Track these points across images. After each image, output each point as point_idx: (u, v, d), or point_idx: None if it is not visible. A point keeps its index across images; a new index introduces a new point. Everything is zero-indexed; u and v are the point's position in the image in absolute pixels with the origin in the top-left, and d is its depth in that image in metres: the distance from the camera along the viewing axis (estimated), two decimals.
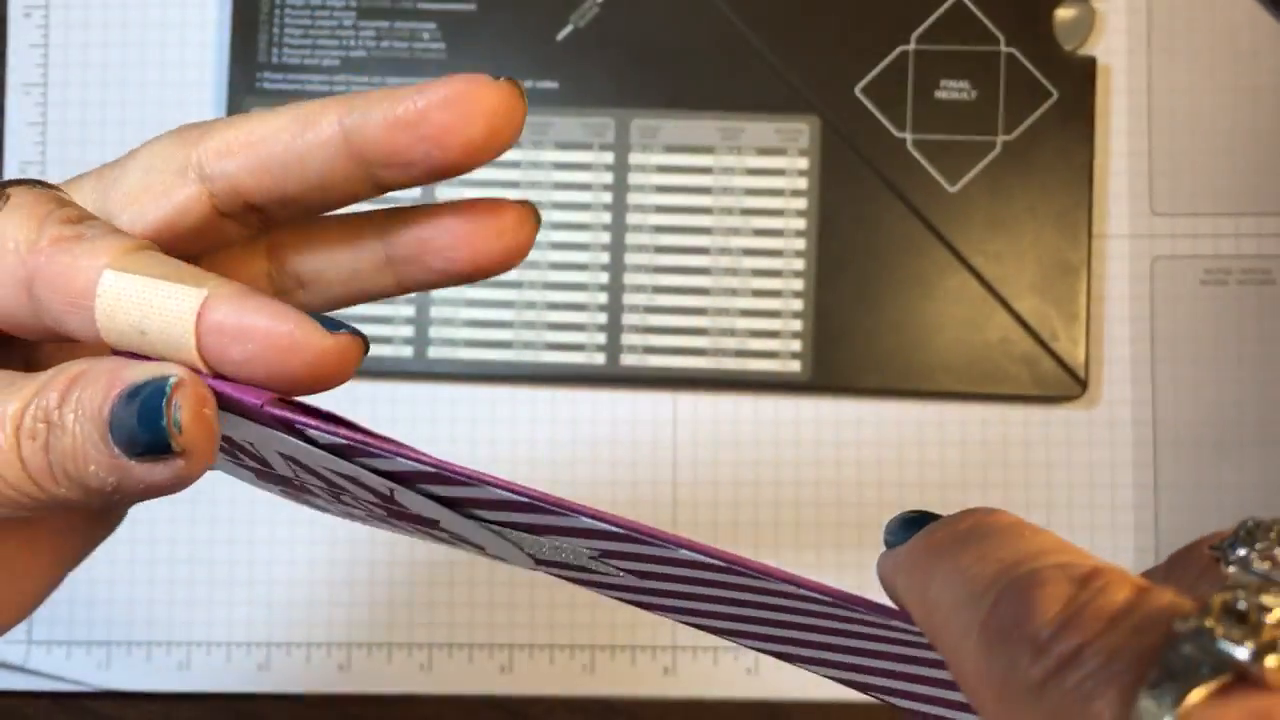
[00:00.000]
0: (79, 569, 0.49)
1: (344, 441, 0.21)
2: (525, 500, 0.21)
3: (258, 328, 0.21)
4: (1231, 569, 0.18)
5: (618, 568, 0.23)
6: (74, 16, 0.50)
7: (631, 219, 0.47)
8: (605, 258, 0.47)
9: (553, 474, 0.48)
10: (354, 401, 0.48)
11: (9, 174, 0.49)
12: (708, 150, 0.47)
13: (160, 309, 0.21)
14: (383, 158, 0.23)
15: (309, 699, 0.48)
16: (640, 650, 0.47)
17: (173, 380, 0.20)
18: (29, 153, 0.49)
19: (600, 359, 0.47)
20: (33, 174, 0.49)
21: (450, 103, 0.22)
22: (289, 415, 0.21)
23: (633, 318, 0.47)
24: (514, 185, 0.47)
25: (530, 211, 0.25)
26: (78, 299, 0.21)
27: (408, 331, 0.47)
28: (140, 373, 0.21)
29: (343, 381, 0.22)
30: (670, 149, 0.47)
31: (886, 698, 0.24)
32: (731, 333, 0.47)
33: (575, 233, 0.47)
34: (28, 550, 0.27)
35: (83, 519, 0.28)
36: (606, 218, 0.47)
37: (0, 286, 0.22)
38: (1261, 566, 0.18)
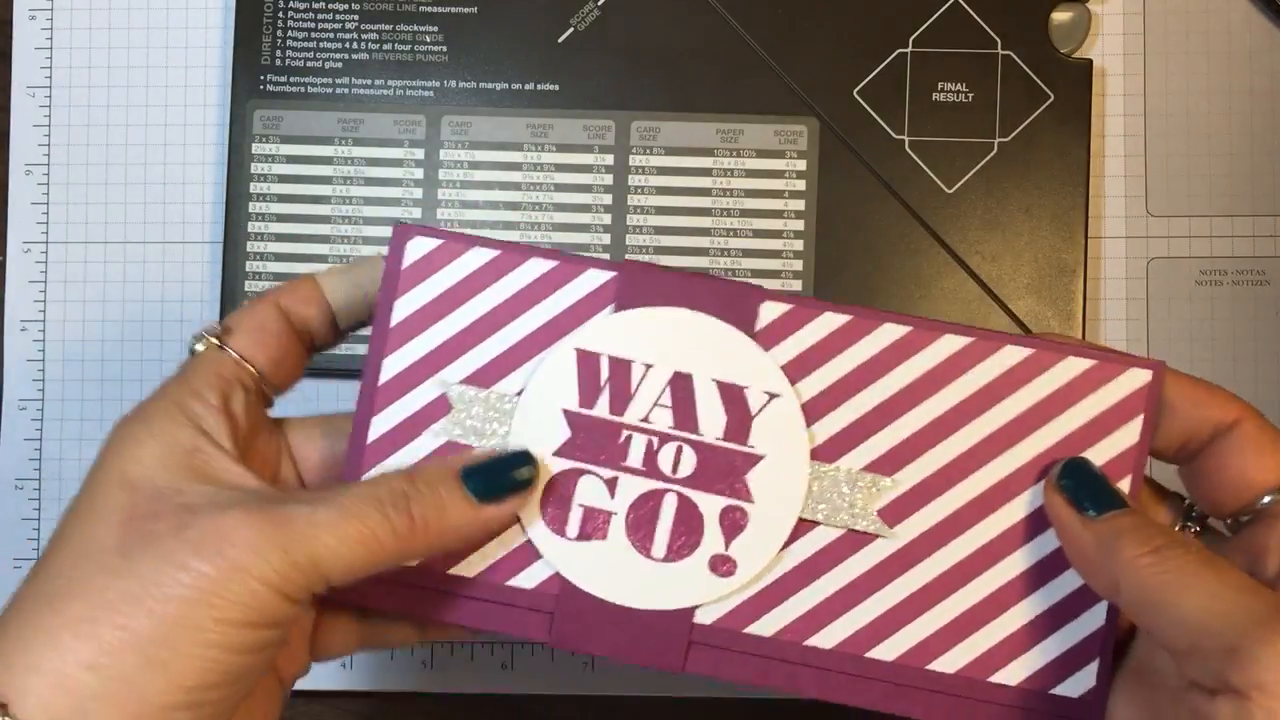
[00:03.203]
0: None
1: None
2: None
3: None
4: None
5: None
6: (79, 19, 0.50)
7: (631, 220, 0.48)
8: (605, 258, 0.47)
9: None
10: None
11: (13, 176, 0.50)
12: (707, 152, 0.47)
13: None
14: None
15: (313, 696, 0.48)
16: None
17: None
18: (34, 155, 0.50)
19: None
20: (37, 175, 0.50)
21: None
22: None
23: None
24: (515, 187, 0.48)
25: None
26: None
27: None
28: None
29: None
30: (670, 151, 0.47)
31: None
32: None
33: (575, 233, 0.48)
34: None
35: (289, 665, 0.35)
36: (606, 219, 0.48)
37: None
38: None
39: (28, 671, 0.27)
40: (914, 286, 0.47)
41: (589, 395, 0.32)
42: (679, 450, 0.32)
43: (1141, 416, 0.32)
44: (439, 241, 0.32)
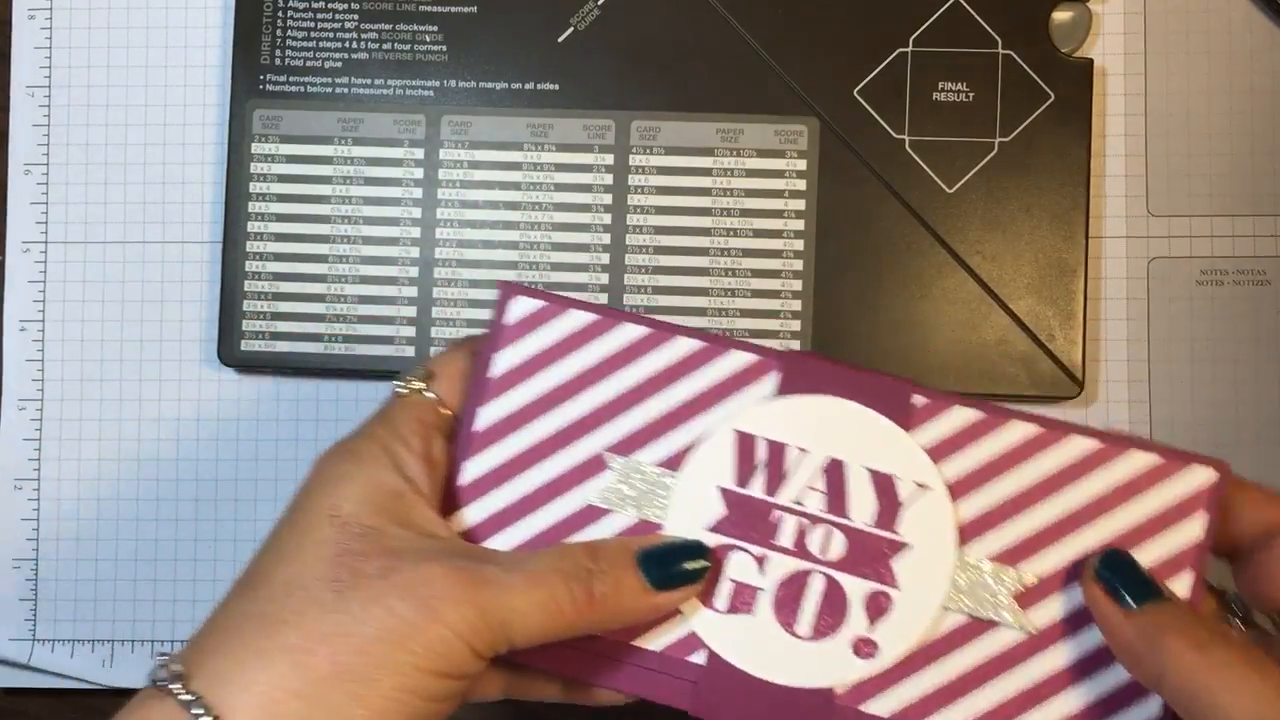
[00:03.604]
0: (81, 568, 0.50)
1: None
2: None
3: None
4: None
5: None
6: (78, 19, 0.50)
7: (631, 220, 0.47)
8: (605, 258, 0.47)
9: None
10: (357, 401, 0.49)
11: (12, 176, 0.50)
12: (707, 152, 0.47)
13: None
14: None
15: None
16: None
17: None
18: (33, 155, 0.50)
19: None
20: (36, 175, 0.50)
21: None
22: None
23: None
24: (515, 187, 0.48)
25: None
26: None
27: (409, 332, 0.47)
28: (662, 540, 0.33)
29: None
30: (670, 150, 0.47)
31: None
32: (731, 333, 0.47)
33: (575, 233, 0.47)
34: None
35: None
36: (606, 219, 0.48)
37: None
38: None
39: (241, 690, 0.28)
40: (914, 286, 0.47)
41: (744, 474, 0.34)
42: (828, 533, 0.33)
43: (1204, 513, 0.32)
44: (540, 303, 0.35)
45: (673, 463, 0.34)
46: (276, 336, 0.48)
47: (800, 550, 0.33)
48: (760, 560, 0.33)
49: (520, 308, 0.35)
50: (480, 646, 0.30)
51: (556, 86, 0.48)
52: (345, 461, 0.32)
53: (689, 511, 0.34)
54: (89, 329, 0.49)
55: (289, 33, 0.48)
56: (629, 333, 0.35)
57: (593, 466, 0.34)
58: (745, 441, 0.34)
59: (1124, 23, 0.49)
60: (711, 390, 0.34)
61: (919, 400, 0.33)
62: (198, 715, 0.28)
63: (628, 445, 0.34)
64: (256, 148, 0.48)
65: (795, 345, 0.47)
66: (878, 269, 0.47)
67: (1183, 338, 0.48)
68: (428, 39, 0.48)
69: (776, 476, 0.33)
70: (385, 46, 0.48)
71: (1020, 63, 0.47)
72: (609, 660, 0.34)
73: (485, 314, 0.47)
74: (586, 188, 0.48)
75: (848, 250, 0.47)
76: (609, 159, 0.48)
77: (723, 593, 0.33)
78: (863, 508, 0.33)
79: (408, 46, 0.48)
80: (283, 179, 0.48)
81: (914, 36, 0.47)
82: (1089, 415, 0.48)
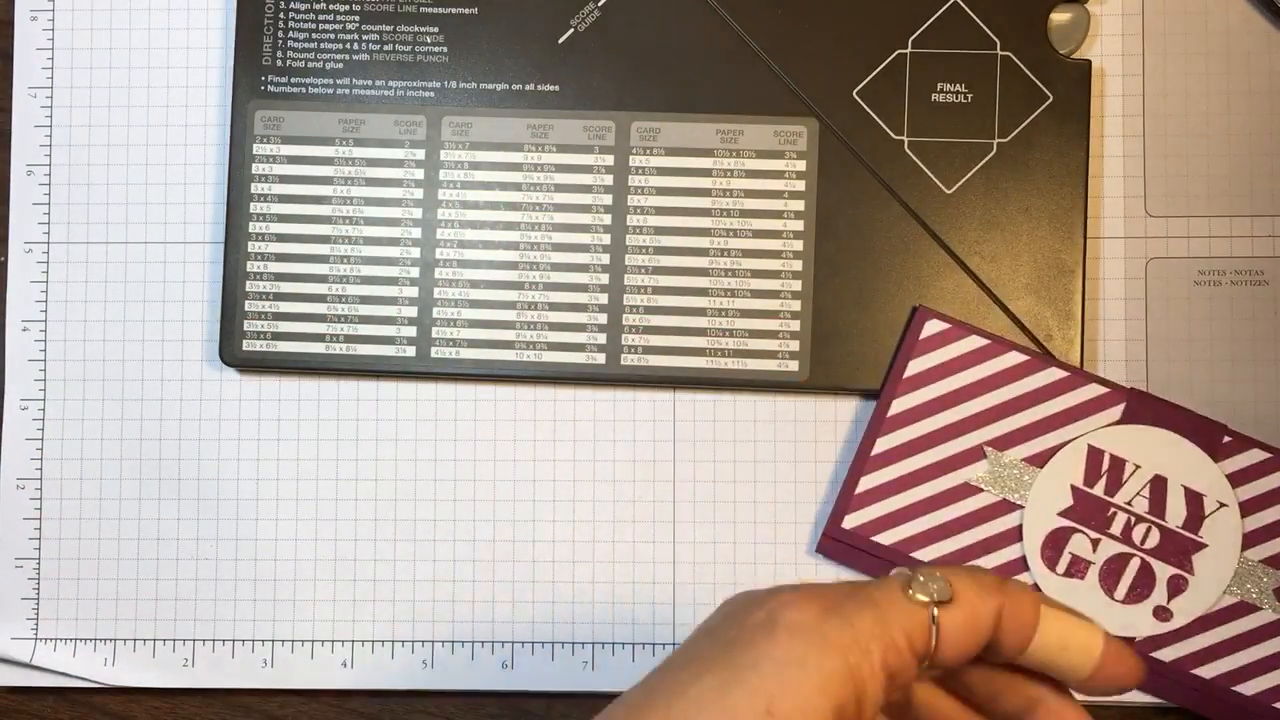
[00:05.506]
0: (82, 567, 0.50)
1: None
2: None
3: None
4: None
5: None
6: (80, 20, 0.50)
7: (631, 220, 0.48)
8: (605, 258, 0.48)
9: (553, 473, 0.48)
10: (357, 400, 0.49)
11: (15, 176, 0.50)
12: (707, 152, 0.48)
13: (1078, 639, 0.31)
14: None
15: (313, 695, 0.49)
16: (640, 647, 0.48)
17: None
18: (35, 155, 0.50)
19: (600, 359, 0.47)
20: (39, 175, 0.50)
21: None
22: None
23: (633, 318, 0.47)
24: (515, 187, 0.48)
25: (1127, 656, 0.31)
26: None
27: (410, 332, 0.48)
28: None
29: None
30: (670, 151, 0.48)
31: None
32: (730, 333, 0.47)
33: (575, 234, 0.48)
34: None
35: None
36: (607, 219, 0.48)
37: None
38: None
39: None
40: (913, 286, 0.47)
41: (1091, 477, 0.46)
42: (1148, 529, 0.46)
43: None
44: (946, 325, 0.46)
45: (1035, 460, 0.46)
46: (278, 336, 0.48)
47: (1125, 539, 0.45)
48: (1094, 543, 0.46)
49: (930, 328, 0.46)
50: None
51: (557, 87, 0.48)
52: (806, 643, 0.27)
53: (1045, 499, 0.46)
54: (91, 329, 0.49)
55: (290, 34, 0.48)
56: (1013, 358, 0.46)
57: (973, 455, 0.46)
58: (1095, 453, 0.46)
59: (1122, 24, 0.49)
60: (1072, 410, 0.46)
61: (1227, 439, 0.45)
62: None
63: (1002, 443, 0.46)
64: (258, 148, 0.48)
65: (795, 346, 0.47)
66: (877, 269, 0.47)
67: (1180, 338, 0.48)
68: (428, 40, 0.48)
69: (1115, 482, 0.46)
70: (386, 48, 0.48)
71: (1019, 64, 0.47)
72: None
73: (485, 314, 0.47)
74: (586, 188, 0.48)
75: (847, 250, 0.47)
76: (609, 160, 0.48)
77: (1062, 562, 0.46)
78: (1176, 514, 0.45)
79: (408, 48, 0.48)
80: (284, 179, 0.48)
81: (913, 38, 0.47)
82: None
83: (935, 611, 0.28)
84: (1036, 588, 0.44)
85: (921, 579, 0.28)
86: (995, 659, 0.30)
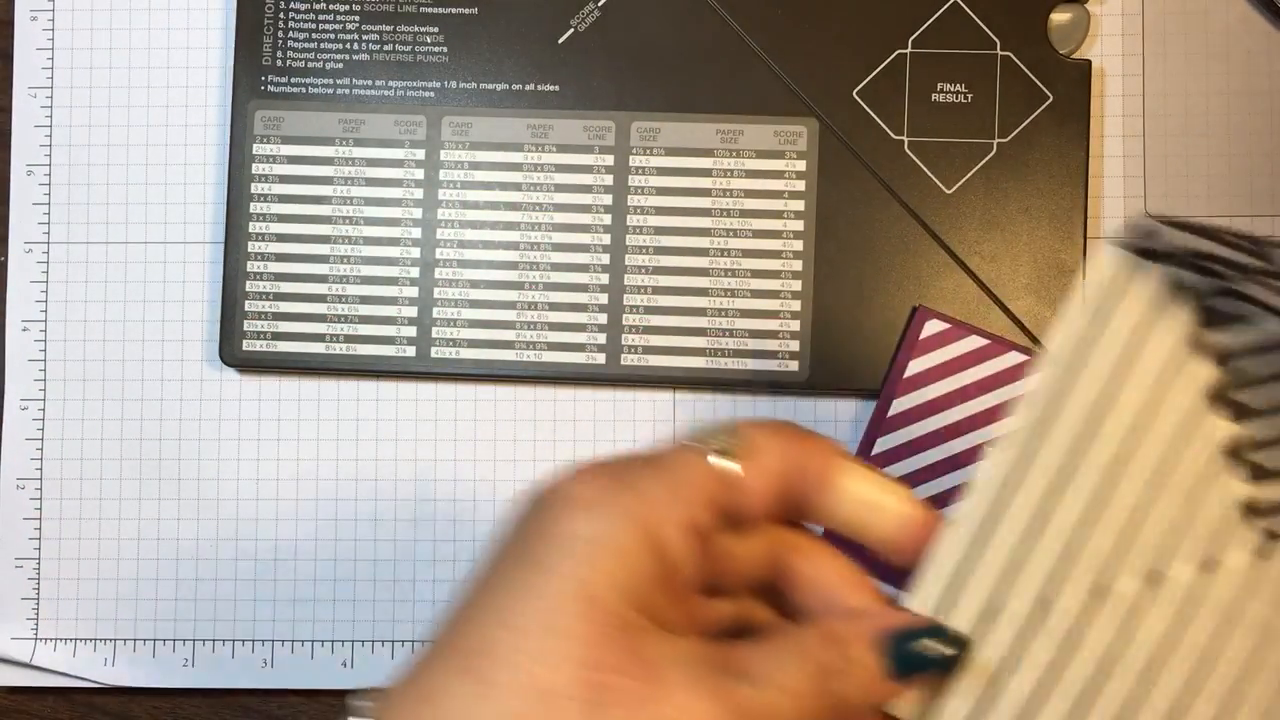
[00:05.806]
0: (83, 568, 0.50)
1: None
2: None
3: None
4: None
5: None
6: (79, 20, 0.50)
7: (631, 220, 0.48)
8: (605, 258, 0.48)
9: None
10: (357, 400, 0.49)
11: (15, 176, 0.50)
12: (707, 152, 0.48)
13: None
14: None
15: (313, 695, 0.49)
16: None
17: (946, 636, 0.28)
18: (35, 155, 0.50)
19: (600, 359, 0.47)
20: (39, 175, 0.50)
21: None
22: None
23: (633, 318, 0.47)
24: (515, 187, 0.48)
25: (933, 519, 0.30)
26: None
27: (410, 331, 0.48)
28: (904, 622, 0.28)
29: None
30: (670, 151, 0.48)
31: None
32: (730, 333, 0.47)
33: (575, 234, 0.48)
34: None
35: None
36: (607, 219, 0.48)
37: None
38: None
39: None
40: (913, 286, 0.47)
41: None
42: None
43: None
44: (946, 325, 0.46)
45: None
46: (278, 336, 0.48)
47: None
48: None
49: (930, 328, 0.46)
50: None
51: (556, 87, 0.48)
52: (604, 519, 0.26)
53: None
54: (91, 329, 0.49)
55: (290, 34, 0.48)
56: (1013, 358, 0.45)
57: (973, 455, 0.45)
58: None
59: (1122, 24, 0.49)
60: None
61: None
62: None
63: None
64: (258, 148, 0.48)
65: (795, 346, 0.47)
66: (877, 269, 0.47)
67: None
68: (428, 40, 0.48)
69: None
70: (386, 48, 0.48)
71: (1019, 64, 0.47)
72: None
73: (485, 314, 0.47)
74: (586, 188, 0.48)
75: (847, 250, 0.47)
76: (609, 160, 0.48)
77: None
78: None
79: (408, 48, 0.48)
80: (284, 180, 0.48)
81: (913, 38, 0.47)
82: None
83: (731, 464, 0.27)
84: None
85: (713, 434, 0.28)
86: (804, 518, 0.29)
